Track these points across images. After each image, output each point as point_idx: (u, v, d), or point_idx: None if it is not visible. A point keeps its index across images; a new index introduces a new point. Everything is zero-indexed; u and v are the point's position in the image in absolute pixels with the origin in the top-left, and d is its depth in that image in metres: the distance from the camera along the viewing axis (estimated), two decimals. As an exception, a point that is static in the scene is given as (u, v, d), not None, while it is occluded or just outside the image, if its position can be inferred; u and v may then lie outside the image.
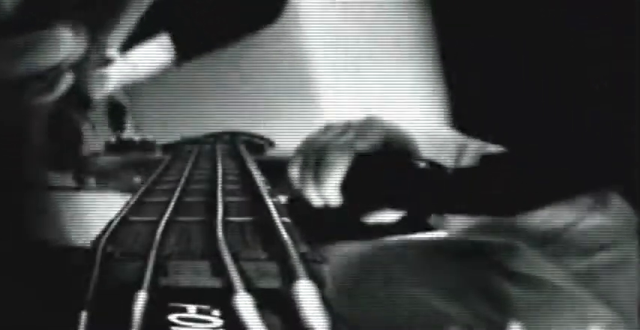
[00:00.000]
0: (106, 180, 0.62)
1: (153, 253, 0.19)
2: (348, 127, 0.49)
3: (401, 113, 0.58)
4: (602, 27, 0.54)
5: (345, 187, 0.48)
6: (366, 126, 0.48)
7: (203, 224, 0.24)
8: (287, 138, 0.59)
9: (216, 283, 0.19)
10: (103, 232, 0.22)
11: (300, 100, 1.04)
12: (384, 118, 0.49)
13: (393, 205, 0.50)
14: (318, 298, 0.17)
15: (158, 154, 0.63)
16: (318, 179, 0.48)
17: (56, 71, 0.54)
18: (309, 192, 0.49)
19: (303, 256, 0.19)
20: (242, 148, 0.53)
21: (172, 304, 0.19)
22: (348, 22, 1.04)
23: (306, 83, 1.05)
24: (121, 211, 0.26)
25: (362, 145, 0.47)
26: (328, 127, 0.51)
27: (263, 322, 0.16)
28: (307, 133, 0.53)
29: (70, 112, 0.65)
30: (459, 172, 0.49)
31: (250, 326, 0.16)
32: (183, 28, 0.71)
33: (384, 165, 0.47)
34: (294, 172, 0.50)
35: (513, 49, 0.66)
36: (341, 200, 0.49)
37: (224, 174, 0.37)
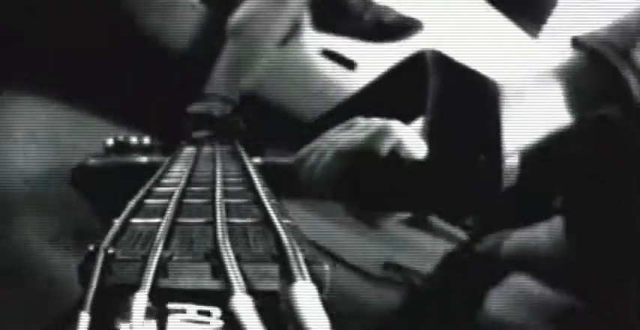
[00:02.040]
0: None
1: (154, 255, 0.19)
2: (364, 127, 0.49)
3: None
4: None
5: (344, 185, 0.48)
6: (380, 131, 0.48)
7: (204, 226, 0.24)
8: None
9: (216, 284, 0.19)
10: (105, 233, 0.22)
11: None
12: (402, 125, 0.48)
13: (393, 207, 0.50)
14: (316, 299, 0.17)
15: (158, 157, 0.63)
16: (315, 172, 0.48)
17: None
18: (306, 183, 0.50)
19: (303, 258, 0.19)
20: (241, 149, 0.54)
21: (172, 306, 0.19)
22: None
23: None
24: (123, 212, 0.26)
25: (369, 146, 0.47)
26: (350, 124, 0.51)
27: (261, 323, 0.16)
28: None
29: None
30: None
31: (248, 328, 0.16)
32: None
33: (387, 166, 0.47)
34: (299, 163, 0.51)
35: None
36: (337, 197, 0.49)
37: (224, 176, 0.37)
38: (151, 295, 0.18)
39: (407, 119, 0.50)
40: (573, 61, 0.53)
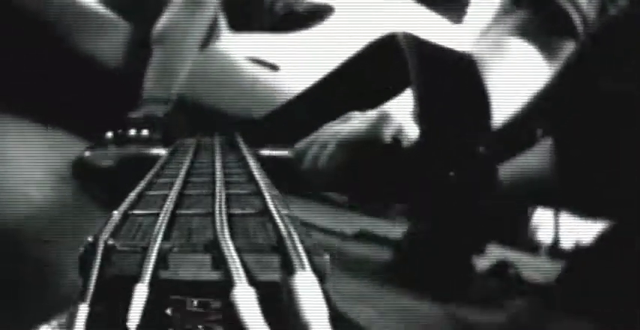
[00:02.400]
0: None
1: (154, 246, 0.19)
2: (364, 118, 0.49)
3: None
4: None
5: (349, 175, 0.48)
6: (380, 119, 0.48)
7: (204, 217, 0.24)
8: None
9: (216, 276, 0.19)
10: (105, 224, 0.22)
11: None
12: (400, 114, 0.48)
13: (391, 199, 0.50)
14: (317, 290, 0.17)
15: (157, 149, 0.63)
16: (318, 164, 0.49)
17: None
18: (308, 175, 0.50)
19: (303, 249, 0.19)
20: (240, 140, 0.53)
21: (172, 297, 0.19)
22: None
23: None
24: (122, 204, 0.26)
25: (372, 135, 0.47)
26: (347, 117, 0.51)
27: (262, 314, 0.16)
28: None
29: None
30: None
31: (248, 319, 0.16)
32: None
33: (390, 155, 0.47)
34: (299, 155, 0.51)
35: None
36: (337, 188, 0.49)
37: (224, 167, 0.37)
38: (151, 287, 0.17)
39: (383, 99, 0.51)
40: (524, 17, 0.53)
